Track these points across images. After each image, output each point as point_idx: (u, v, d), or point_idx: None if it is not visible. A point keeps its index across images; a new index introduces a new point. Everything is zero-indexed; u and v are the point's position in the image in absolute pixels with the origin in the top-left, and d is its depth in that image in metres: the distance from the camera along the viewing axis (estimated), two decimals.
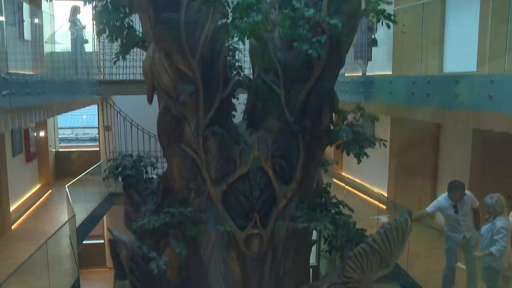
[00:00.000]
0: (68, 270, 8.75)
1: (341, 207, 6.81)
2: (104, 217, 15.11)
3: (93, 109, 17.13)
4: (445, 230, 7.41)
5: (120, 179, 8.50)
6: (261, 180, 6.42)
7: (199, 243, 6.54)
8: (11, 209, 11.09)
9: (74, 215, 9.29)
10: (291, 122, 6.45)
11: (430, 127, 10.35)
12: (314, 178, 6.76)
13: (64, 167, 16.01)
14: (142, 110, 10.95)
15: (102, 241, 16.89)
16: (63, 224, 9.21)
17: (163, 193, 6.76)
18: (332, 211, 6.68)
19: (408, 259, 7.98)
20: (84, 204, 12.20)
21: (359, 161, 6.33)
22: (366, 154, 6.47)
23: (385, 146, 6.67)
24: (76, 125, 29.63)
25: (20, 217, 11.25)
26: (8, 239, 9.95)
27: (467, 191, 7.11)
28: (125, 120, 14.52)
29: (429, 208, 7.38)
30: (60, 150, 16.57)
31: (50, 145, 14.90)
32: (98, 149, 15.91)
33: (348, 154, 6.41)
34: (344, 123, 6.53)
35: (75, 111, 16.27)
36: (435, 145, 10.66)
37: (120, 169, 8.30)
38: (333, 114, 6.82)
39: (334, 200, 6.84)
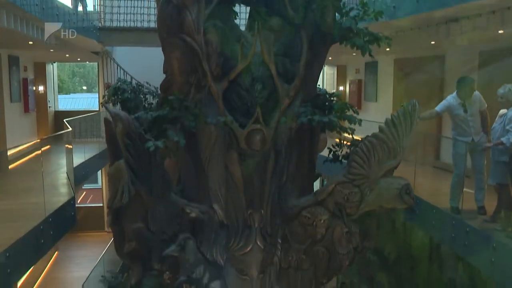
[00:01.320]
0: (64, 194, 8.57)
1: (346, 110, 6.57)
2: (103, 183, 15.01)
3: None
4: (452, 134, 7.19)
5: (118, 105, 8.32)
6: (263, 75, 6.21)
7: (198, 144, 6.30)
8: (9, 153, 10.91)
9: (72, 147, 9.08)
10: (294, 18, 6.24)
11: None
12: (317, 79, 6.56)
13: (63, 127, 15.81)
14: (142, 66, 10.80)
15: (101, 204, 16.76)
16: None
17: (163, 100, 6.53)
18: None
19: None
20: (83, 154, 12.05)
21: (363, 54, 6.10)
22: (370, 51, 6.24)
23: (389, 45, 6.42)
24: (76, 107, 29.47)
25: (18, 160, 11.07)
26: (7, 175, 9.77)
27: (476, 92, 6.89)
28: (125, 76, 14.33)
29: (438, 107, 7.17)
30: (59, 110, 16.48)
31: (49, 101, 14.80)
32: (98, 110, 15.77)
33: (352, 47, 6.18)
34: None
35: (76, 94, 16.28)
36: None
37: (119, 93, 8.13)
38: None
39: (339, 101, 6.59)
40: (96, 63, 14.93)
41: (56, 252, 14.72)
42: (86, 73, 46.78)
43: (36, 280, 12.66)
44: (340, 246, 6.24)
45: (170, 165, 6.76)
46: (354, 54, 13.42)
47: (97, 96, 16.95)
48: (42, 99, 14.19)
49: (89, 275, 10.83)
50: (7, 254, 5.47)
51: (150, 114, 5.89)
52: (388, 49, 10.35)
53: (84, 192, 22.99)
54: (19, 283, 11.63)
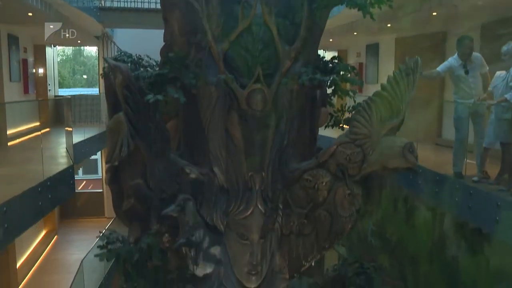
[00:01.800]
0: (64, 164, 8.50)
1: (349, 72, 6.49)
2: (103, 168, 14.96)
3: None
4: (454, 98, 7.11)
5: None
6: (264, 36, 6.13)
7: (198, 106, 6.23)
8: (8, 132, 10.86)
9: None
10: None
11: None
12: (318, 43, 6.48)
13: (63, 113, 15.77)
14: (143, 51, 10.72)
15: (101, 190, 16.72)
16: None
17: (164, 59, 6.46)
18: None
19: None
20: (83, 135, 12.00)
21: (364, 15, 6.00)
22: (371, 15, 6.15)
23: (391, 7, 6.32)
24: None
25: (18, 138, 11.02)
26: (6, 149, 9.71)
27: (477, 53, 6.83)
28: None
29: (439, 68, 7.11)
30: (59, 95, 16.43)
31: (49, 85, 14.74)
32: (98, 93, 15.72)
33: (352, 7, 6.08)
34: None
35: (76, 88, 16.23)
36: None
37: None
38: None
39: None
40: (97, 61, 14.90)
41: (56, 236, 14.69)
42: (87, 71, 46.85)
43: (35, 262, 12.58)
44: (343, 208, 6.15)
45: (170, 129, 6.67)
46: (356, 33, 13.43)
47: (98, 91, 16.88)
48: (42, 82, 14.12)
49: (89, 252, 10.78)
50: (4, 209, 5.40)
51: (150, 72, 5.81)
52: (389, 25, 10.25)
53: (84, 182, 23.01)
54: (18, 263, 11.59)
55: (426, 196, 7.71)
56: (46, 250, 13.42)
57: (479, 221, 6.18)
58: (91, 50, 37.29)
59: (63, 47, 26.76)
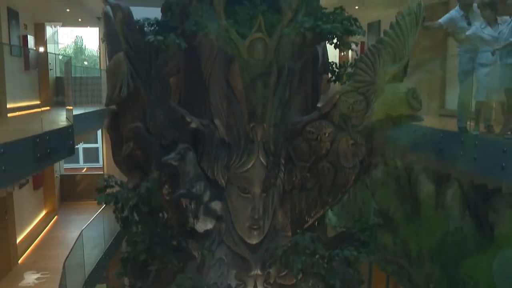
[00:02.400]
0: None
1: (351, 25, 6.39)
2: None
3: None
4: (458, 52, 7.02)
5: None
6: None
7: (199, 57, 6.14)
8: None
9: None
10: None
11: None
12: None
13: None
14: None
15: (101, 172, 16.66)
16: None
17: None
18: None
19: None
20: (83, 110, 11.92)
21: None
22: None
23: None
24: None
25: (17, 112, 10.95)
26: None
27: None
28: None
29: (441, 20, 7.01)
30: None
31: (50, 64, 14.64)
32: (99, 75, 15.65)
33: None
34: None
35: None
36: None
37: None
38: None
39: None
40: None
41: (56, 216, 14.62)
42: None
43: (35, 239, 12.55)
44: (346, 160, 6.04)
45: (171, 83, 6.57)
46: (357, 7, 13.30)
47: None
48: (42, 60, 14.02)
49: (89, 223, 10.75)
50: (1, 150, 5.31)
51: (152, 20, 5.72)
52: None
53: (85, 169, 22.96)
54: (18, 239, 11.53)
55: (429, 155, 7.57)
56: (46, 228, 13.38)
57: (484, 172, 6.06)
58: (93, 49, 37.08)
59: (63, 46, 26.59)
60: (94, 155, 24.21)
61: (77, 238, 9.49)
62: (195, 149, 6.06)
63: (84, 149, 24.19)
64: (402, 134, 7.05)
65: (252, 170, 6.10)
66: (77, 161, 23.82)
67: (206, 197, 6.13)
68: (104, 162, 17.86)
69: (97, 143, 23.26)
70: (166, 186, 5.99)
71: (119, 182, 5.75)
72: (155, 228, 6.08)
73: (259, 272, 6.39)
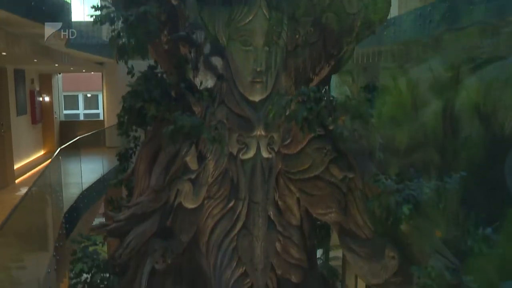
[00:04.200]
0: None
1: None
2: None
3: None
4: None
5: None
6: None
7: None
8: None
9: None
10: None
11: None
12: None
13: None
14: None
15: (102, 118, 15.97)
16: None
17: None
18: None
19: None
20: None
21: None
22: None
23: None
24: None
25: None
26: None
27: None
28: None
29: None
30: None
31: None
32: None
33: None
34: None
35: None
36: None
37: None
38: None
39: None
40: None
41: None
42: None
43: (32, 168, 12.42)
44: (350, 6, 5.88)
45: None
46: None
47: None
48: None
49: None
50: None
51: None
52: None
53: None
54: (16, 166, 11.41)
55: None
56: (44, 163, 12.61)
57: None
58: None
59: None
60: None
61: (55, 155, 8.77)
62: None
63: None
64: None
65: (254, 20, 5.87)
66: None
67: (206, 49, 5.86)
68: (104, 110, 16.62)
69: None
70: (165, 33, 5.79)
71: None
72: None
73: (262, 132, 5.97)
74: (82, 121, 19.46)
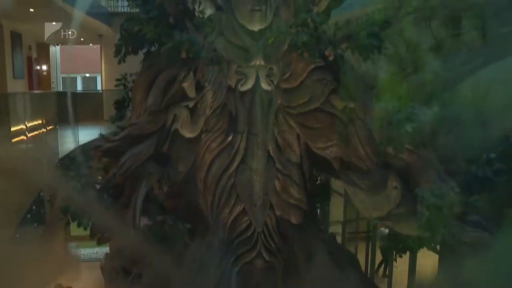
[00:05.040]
0: None
1: None
2: None
3: None
4: None
5: None
6: None
7: None
8: None
9: None
10: None
11: None
12: None
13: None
14: None
15: (100, 91, 15.78)
16: None
17: None
18: None
19: None
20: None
21: None
22: None
23: None
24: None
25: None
26: None
27: None
28: None
29: None
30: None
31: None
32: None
33: None
34: None
35: None
36: None
37: None
38: None
39: None
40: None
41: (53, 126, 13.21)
42: None
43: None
44: None
45: None
46: None
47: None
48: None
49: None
50: None
51: None
52: None
53: None
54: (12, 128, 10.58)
55: None
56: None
57: None
58: None
59: None
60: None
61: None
62: None
63: None
64: None
65: None
66: None
67: None
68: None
69: None
70: None
71: None
72: None
73: (261, 62, 5.84)
74: (80, 92, 19.22)
